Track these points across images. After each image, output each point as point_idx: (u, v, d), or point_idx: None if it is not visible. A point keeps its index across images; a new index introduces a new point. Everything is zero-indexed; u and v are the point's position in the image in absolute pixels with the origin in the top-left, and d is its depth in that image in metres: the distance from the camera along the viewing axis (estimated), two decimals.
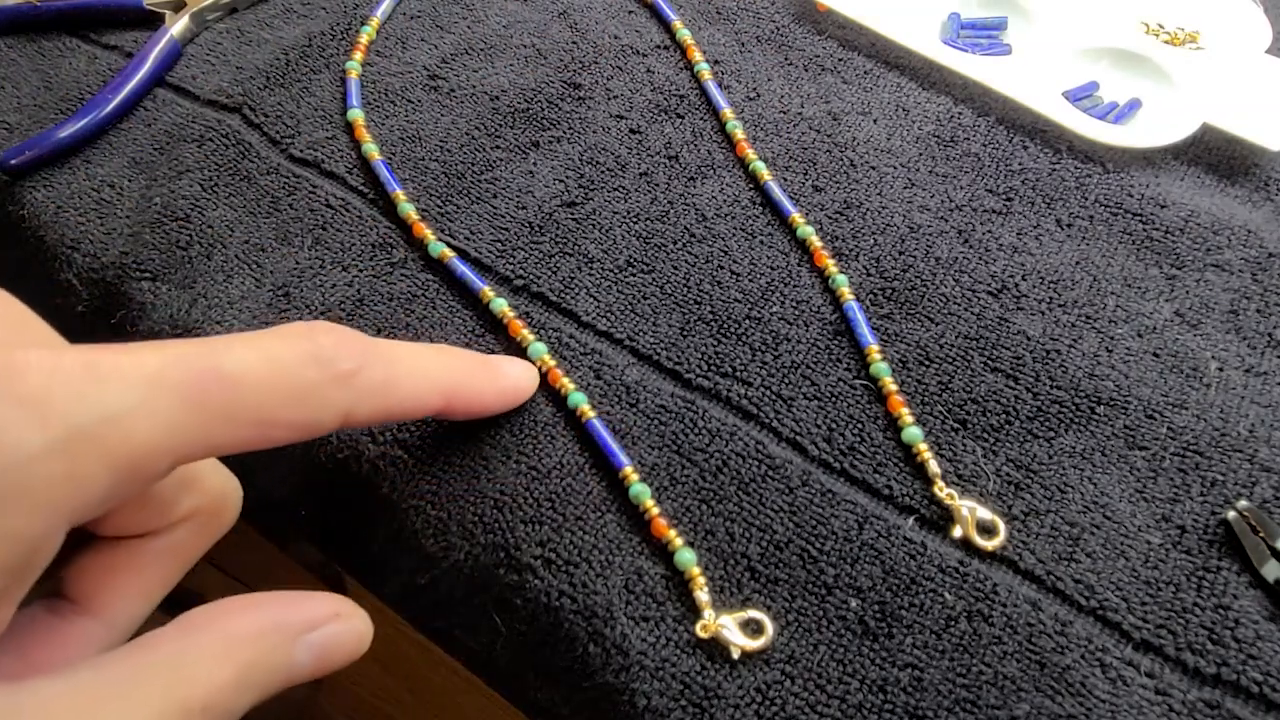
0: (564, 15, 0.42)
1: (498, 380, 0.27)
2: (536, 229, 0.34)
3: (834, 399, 0.29)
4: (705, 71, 0.39)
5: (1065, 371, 0.30)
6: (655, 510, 0.26)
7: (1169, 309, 0.32)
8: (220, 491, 0.21)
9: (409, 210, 0.34)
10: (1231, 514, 0.26)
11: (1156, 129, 0.37)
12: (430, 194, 0.35)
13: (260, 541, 0.36)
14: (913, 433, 0.28)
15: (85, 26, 0.41)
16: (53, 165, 0.35)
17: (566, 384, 0.29)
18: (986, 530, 0.26)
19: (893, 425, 0.28)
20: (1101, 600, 0.25)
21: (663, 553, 0.26)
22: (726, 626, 0.24)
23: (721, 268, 0.32)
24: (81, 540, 0.20)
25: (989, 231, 0.34)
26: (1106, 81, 0.39)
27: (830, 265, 0.32)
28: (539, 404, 0.29)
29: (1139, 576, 0.25)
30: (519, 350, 0.30)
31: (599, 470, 0.27)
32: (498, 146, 0.36)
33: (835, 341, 0.31)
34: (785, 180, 0.35)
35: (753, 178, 0.35)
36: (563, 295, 0.32)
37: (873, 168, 0.36)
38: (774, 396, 0.29)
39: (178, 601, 0.21)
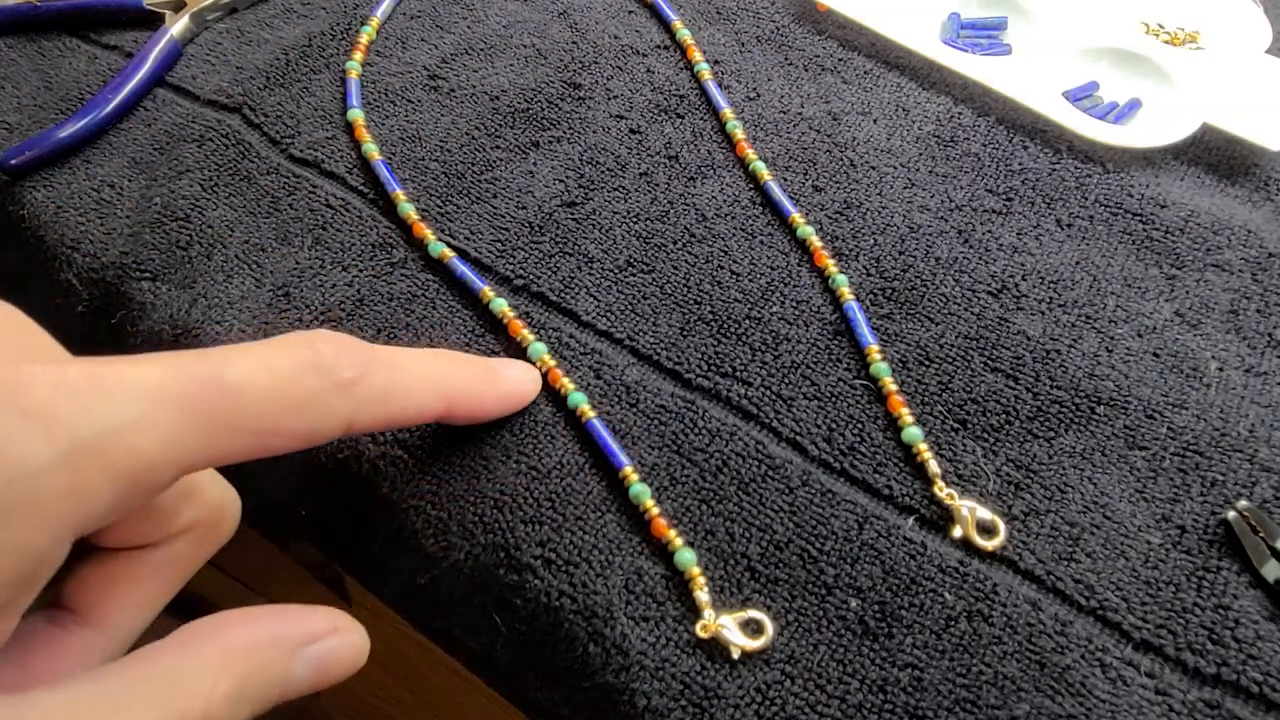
0: (564, 15, 0.42)
1: (499, 384, 0.27)
2: (536, 229, 0.34)
3: (834, 399, 0.29)
4: (705, 71, 0.39)
5: (1065, 371, 0.30)
6: (655, 510, 0.26)
7: (1169, 309, 0.32)
8: (219, 503, 0.21)
9: (409, 210, 0.34)
10: (1231, 514, 0.26)
11: (1156, 129, 0.37)
12: (430, 194, 0.35)
13: (260, 542, 0.36)
14: (913, 433, 0.28)
15: (85, 26, 0.41)
16: (53, 165, 0.35)
17: (566, 384, 0.29)
18: (986, 530, 0.26)
19: (893, 425, 0.28)
20: (1101, 600, 0.25)
21: (663, 553, 0.26)
22: (726, 626, 0.24)
23: (721, 268, 0.32)
24: (82, 550, 0.20)
25: (989, 231, 0.34)
26: (1106, 81, 0.39)
27: (830, 265, 0.32)
28: (539, 404, 0.29)
29: (1139, 576, 0.25)
30: (519, 350, 0.30)
31: (599, 470, 0.27)
32: (498, 146, 0.36)
33: (835, 341, 0.31)
34: (785, 180, 0.35)
35: (753, 178, 0.35)
36: (563, 295, 0.32)
37: (873, 168, 0.36)
38: (774, 396, 0.29)
39: (179, 603, 0.21)
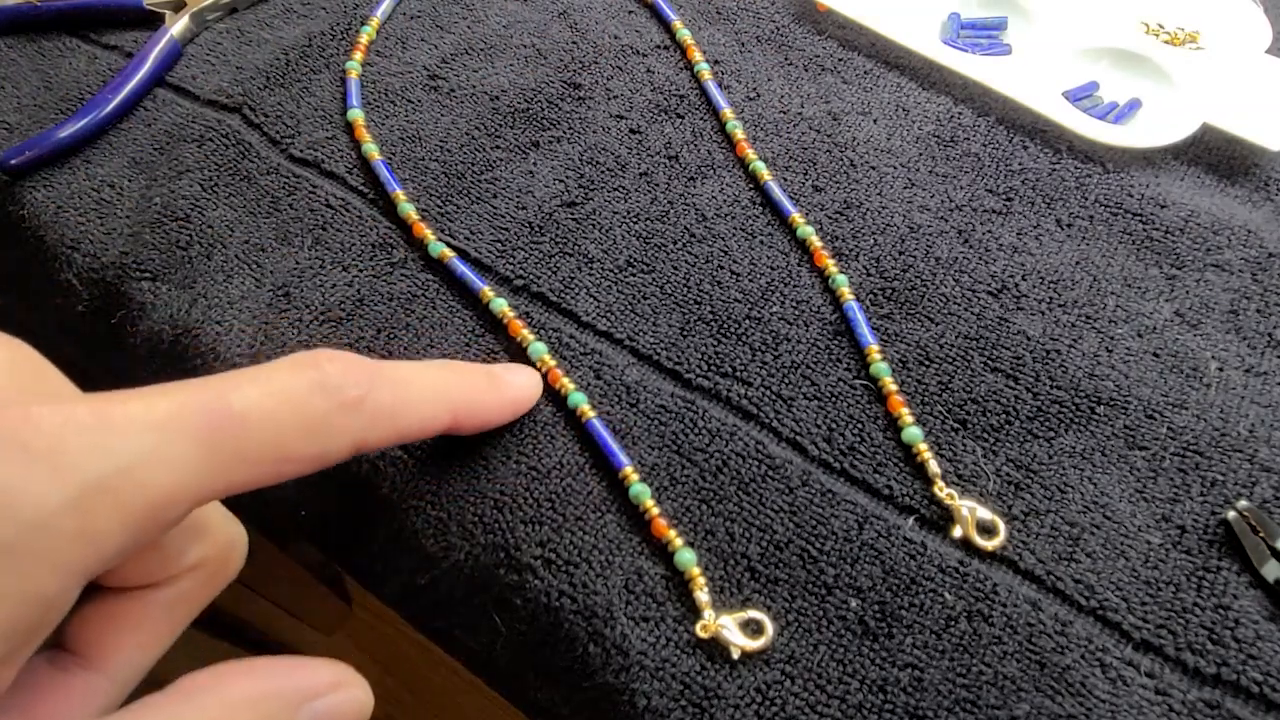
0: (564, 15, 0.42)
1: (503, 391, 0.27)
2: (536, 229, 0.34)
3: (834, 399, 0.29)
4: (705, 71, 0.39)
5: (1065, 371, 0.30)
6: (655, 510, 0.26)
7: (1169, 309, 0.32)
8: (228, 540, 0.21)
9: (409, 210, 0.34)
10: (1231, 514, 0.26)
11: (1156, 129, 0.37)
12: (430, 194, 0.35)
13: (260, 541, 0.36)
14: (913, 433, 0.28)
15: (85, 26, 0.41)
16: (53, 165, 0.35)
17: (566, 384, 0.29)
18: (986, 530, 0.26)
19: (893, 425, 0.28)
20: (1101, 600, 0.25)
21: (663, 553, 0.26)
22: (726, 626, 0.24)
23: (721, 268, 0.32)
24: (86, 589, 0.19)
25: (989, 231, 0.34)
26: (1106, 81, 0.39)
27: (830, 265, 0.32)
28: (539, 404, 0.29)
29: (1139, 576, 0.25)
30: (519, 350, 0.30)
31: (599, 470, 0.27)
32: (498, 146, 0.36)
33: (835, 341, 0.31)
34: (785, 180, 0.35)
35: (753, 178, 0.35)
36: (563, 295, 0.32)
37: (873, 168, 0.36)
38: (774, 396, 0.29)
39: None
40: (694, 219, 0.34)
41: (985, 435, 0.28)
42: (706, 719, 0.23)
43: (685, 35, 0.41)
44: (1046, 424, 0.29)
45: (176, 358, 0.31)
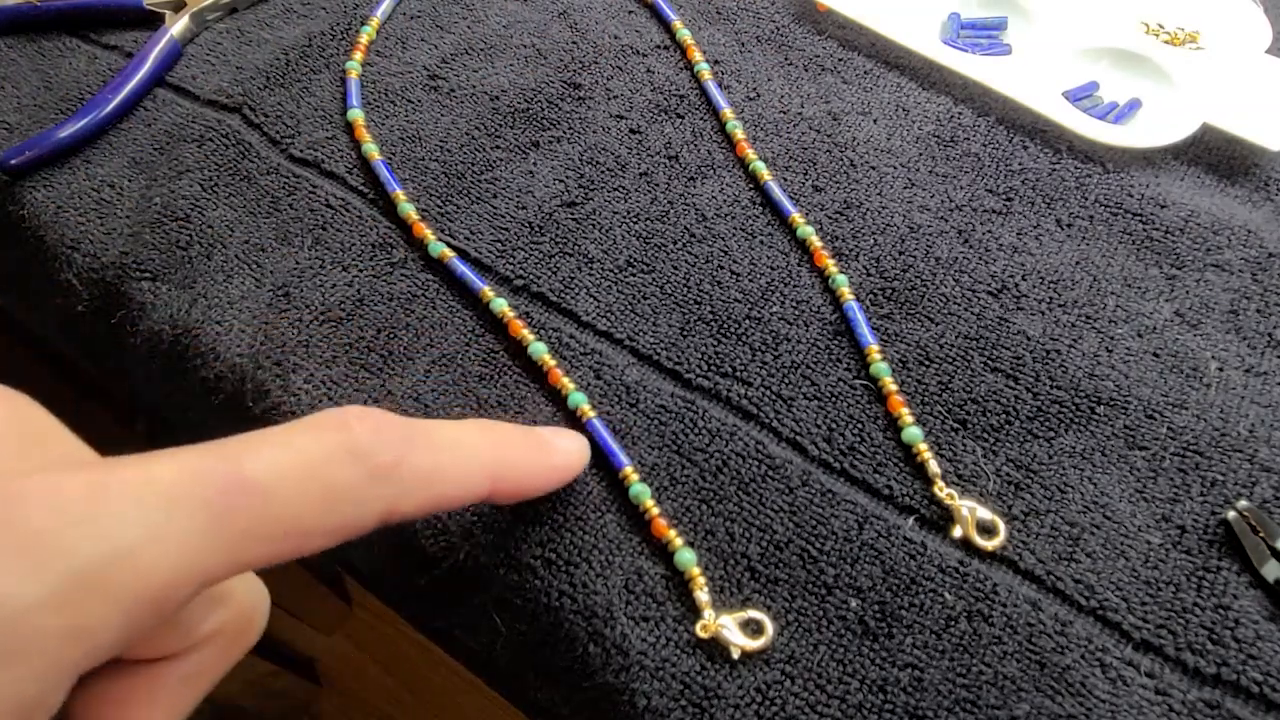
0: (564, 15, 0.42)
1: (550, 457, 0.24)
2: (536, 229, 0.34)
3: (834, 399, 0.29)
4: (705, 71, 0.39)
5: (1065, 371, 0.30)
6: (655, 510, 0.26)
7: (1169, 309, 0.32)
8: (250, 605, 0.19)
9: (409, 210, 0.34)
10: (1231, 514, 0.26)
11: (1156, 129, 0.37)
12: (430, 194, 0.35)
13: None
14: (913, 433, 0.28)
15: (85, 26, 0.41)
16: (53, 165, 0.35)
17: (566, 384, 0.29)
18: (986, 530, 0.26)
19: (893, 425, 0.28)
20: (1101, 600, 0.25)
21: (663, 553, 0.26)
22: (726, 626, 0.24)
23: (721, 268, 0.32)
24: None
25: (989, 231, 0.34)
26: (1106, 81, 0.39)
27: (830, 265, 0.32)
28: (539, 404, 0.29)
29: (1139, 576, 0.25)
30: (519, 350, 0.30)
31: (599, 470, 0.27)
32: (498, 146, 0.36)
33: (835, 341, 0.31)
34: (785, 180, 0.35)
35: (753, 178, 0.35)
36: (563, 295, 0.32)
37: (873, 168, 0.36)
38: (774, 396, 0.29)
39: None
40: (694, 219, 0.34)
41: (985, 435, 0.28)
42: (706, 719, 0.23)
43: (685, 35, 0.41)
44: (1046, 424, 0.29)
45: (176, 358, 0.31)
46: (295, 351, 0.30)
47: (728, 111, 0.37)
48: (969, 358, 0.30)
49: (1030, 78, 0.38)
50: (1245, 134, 0.36)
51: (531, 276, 0.32)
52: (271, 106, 0.37)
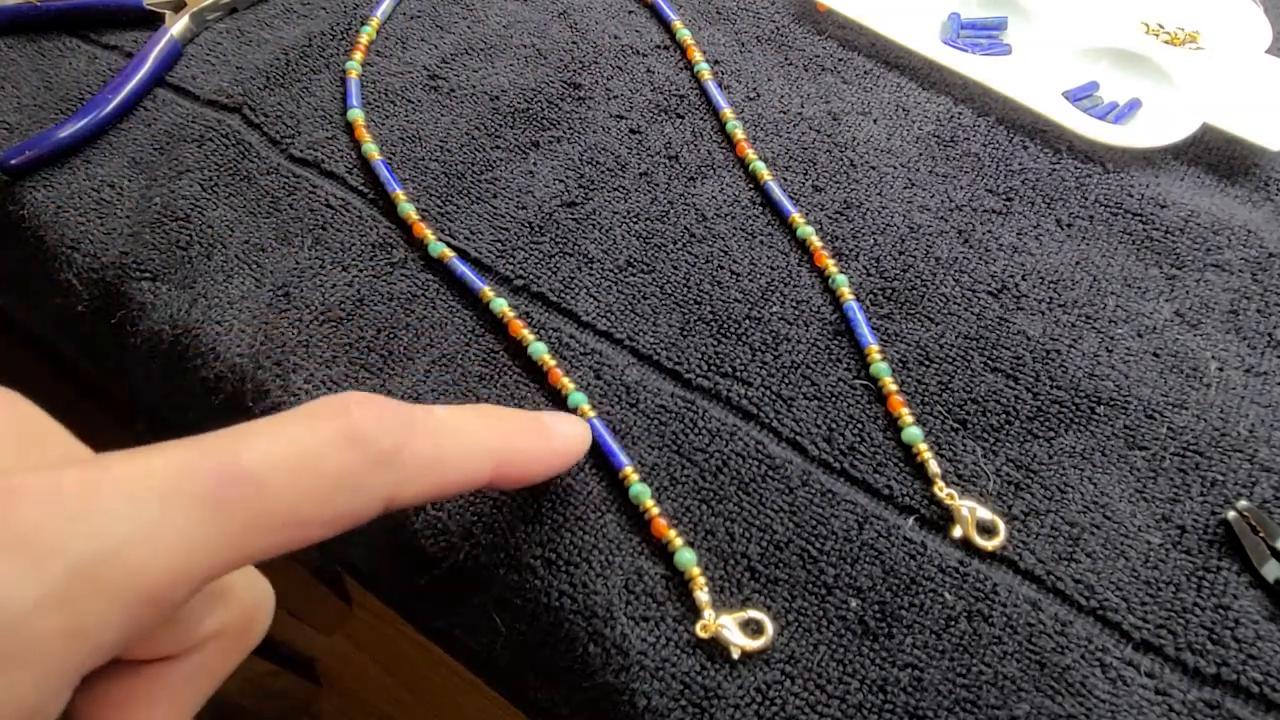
0: (564, 15, 0.42)
1: (551, 441, 0.24)
2: (536, 229, 0.34)
3: (834, 399, 0.29)
4: (705, 71, 0.39)
5: (1065, 371, 0.30)
6: (655, 510, 0.26)
7: (1169, 309, 0.32)
8: (253, 603, 0.19)
9: (409, 210, 0.34)
10: (1231, 514, 0.26)
11: (1156, 129, 0.37)
12: (430, 194, 0.35)
13: None
14: (913, 433, 0.28)
15: (85, 26, 0.41)
16: (53, 165, 0.35)
17: (566, 384, 0.29)
18: (986, 530, 0.26)
19: (893, 425, 0.28)
20: (1101, 600, 0.25)
21: (663, 553, 0.26)
22: (726, 626, 0.24)
23: (721, 268, 0.32)
24: None
25: (989, 231, 0.34)
26: (1106, 81, 0.39)
27: (830, 265, 0.32)
28: (539, 404, 0.29)
29: (1139, 576, 0.25)
30: (519, 349, 0.30)
31: (599, 470, 0.27)
32: (498, 146, 0.36)
33: (835, 341, 0.31)
34: (785, 180, 0.35)
35: (753, 178, 0.35)
36: (563, 295, 0.32)
37: (873, 168, 0.36)
38: (774, 396, 0.29)
39: None
40: (694, 219, 0.34)
41: (985, 435, 0.28)
42: (706, 719, 0.23)
43: (685, 35, 0.41)
44: (1046, 424, 0.29)
45: (176, 358, 0.31)
46: (295, 351, 0.30)
47: (728, 111, 0.37)
48: (969, 358, 0.30)
49: (1030, 78, 0.38)
50: (1245, 134, 0.36)
51: (531, 276, 0.32)
52: (271, 106, 0.37)
